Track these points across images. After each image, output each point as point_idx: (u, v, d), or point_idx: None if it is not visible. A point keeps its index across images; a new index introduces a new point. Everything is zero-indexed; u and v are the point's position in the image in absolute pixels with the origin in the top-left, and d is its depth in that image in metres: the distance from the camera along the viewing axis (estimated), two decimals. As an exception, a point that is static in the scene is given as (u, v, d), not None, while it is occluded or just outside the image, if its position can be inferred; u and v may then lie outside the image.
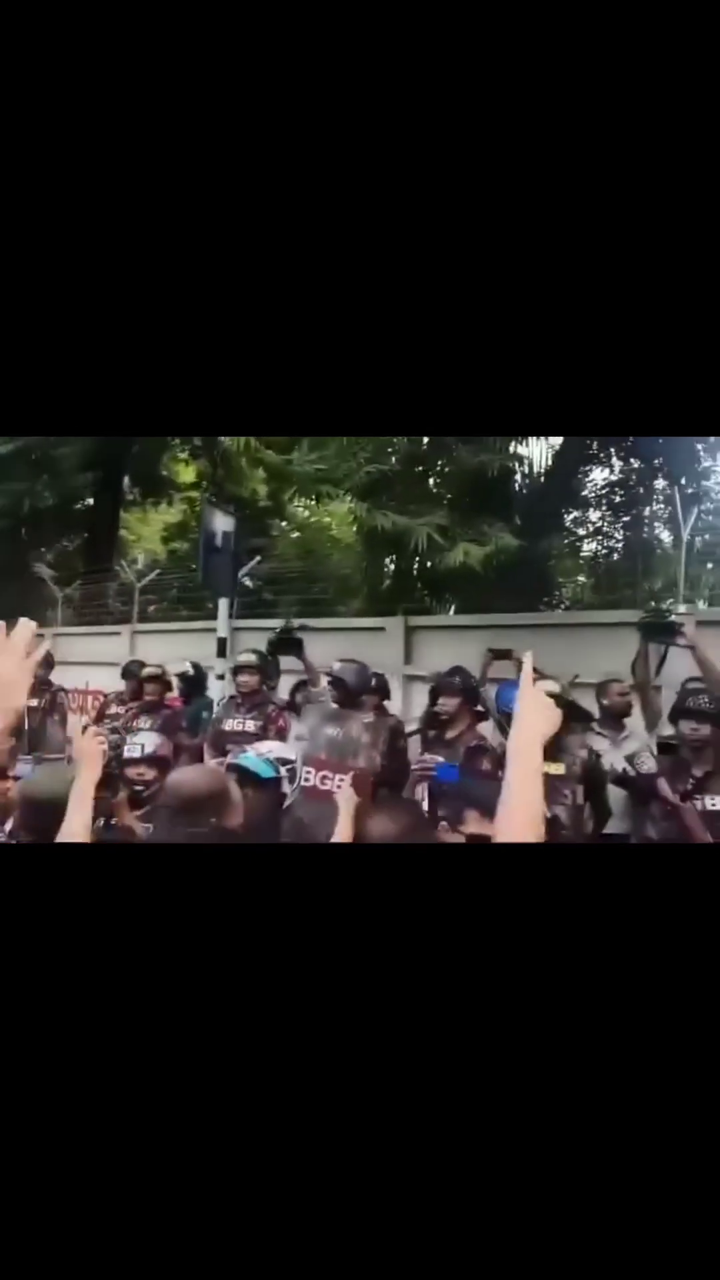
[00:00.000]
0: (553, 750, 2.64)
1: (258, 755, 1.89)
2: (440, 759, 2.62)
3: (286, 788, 1.93)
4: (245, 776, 1.85)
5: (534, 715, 0.98)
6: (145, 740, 2.33)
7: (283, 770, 1.92)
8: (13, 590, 10.14)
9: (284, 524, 11.34)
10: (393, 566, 5.83)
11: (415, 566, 5.47)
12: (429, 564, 4.94)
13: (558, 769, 2.59)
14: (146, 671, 4.30)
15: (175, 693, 4.35)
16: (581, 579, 8.12)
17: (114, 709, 4.53)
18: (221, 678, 4.28)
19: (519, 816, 0.87)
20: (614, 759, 2.96)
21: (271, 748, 1.99)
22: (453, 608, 5.95)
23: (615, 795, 2.86)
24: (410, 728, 3.33)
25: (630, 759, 2.73)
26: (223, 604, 4.42)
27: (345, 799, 1.64)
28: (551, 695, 2.64)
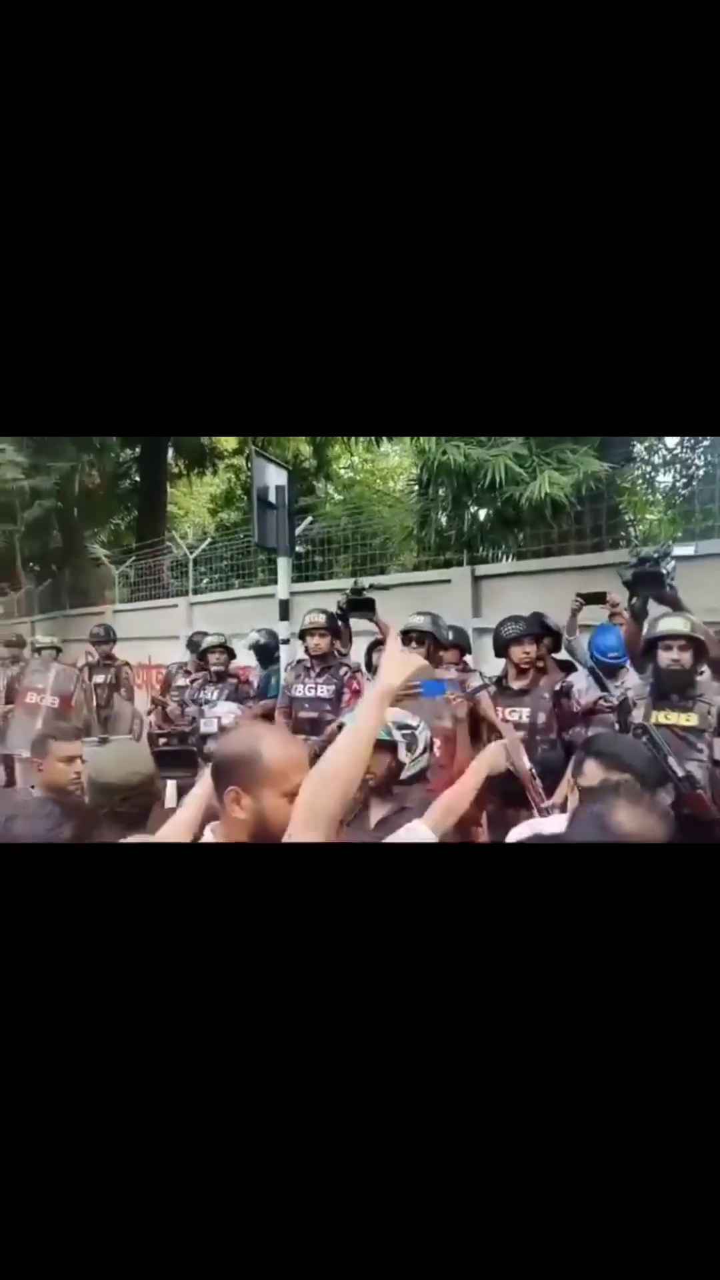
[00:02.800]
0: (682, 698, 2.36)
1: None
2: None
3: (404, 755, 1.78)
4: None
5: (390, 669, 1.00)
6: (222, 712, 2.18)
7: (397, 734, 1.77)
8: (73, 571, 10.29)
9: (330, 483, 11.10)
10: (454, 508, 5.50)
11: (485, 507, 5.13)
12: (511, 497, 4.57)
13: (690, 719, 2.31)
14: (208, 642, 4.19)
15: (245, 662, 4.23)
16: (652, 516, 7.60)
17: (180, 681, 4.44)
18: (286, 642, 4.12)
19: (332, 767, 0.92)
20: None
21: (391, 712, 1.85)
22: (510, 555, 5.61)
23: None
24: (475, 683, 3.10)
25: None
26: (283, 565, 4.23)
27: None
28: (680, 634, 2.37)
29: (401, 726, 1.87)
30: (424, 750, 1.88)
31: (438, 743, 2.82)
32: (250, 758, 1.07)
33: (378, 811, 1.83)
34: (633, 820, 0.99)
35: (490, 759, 1.73)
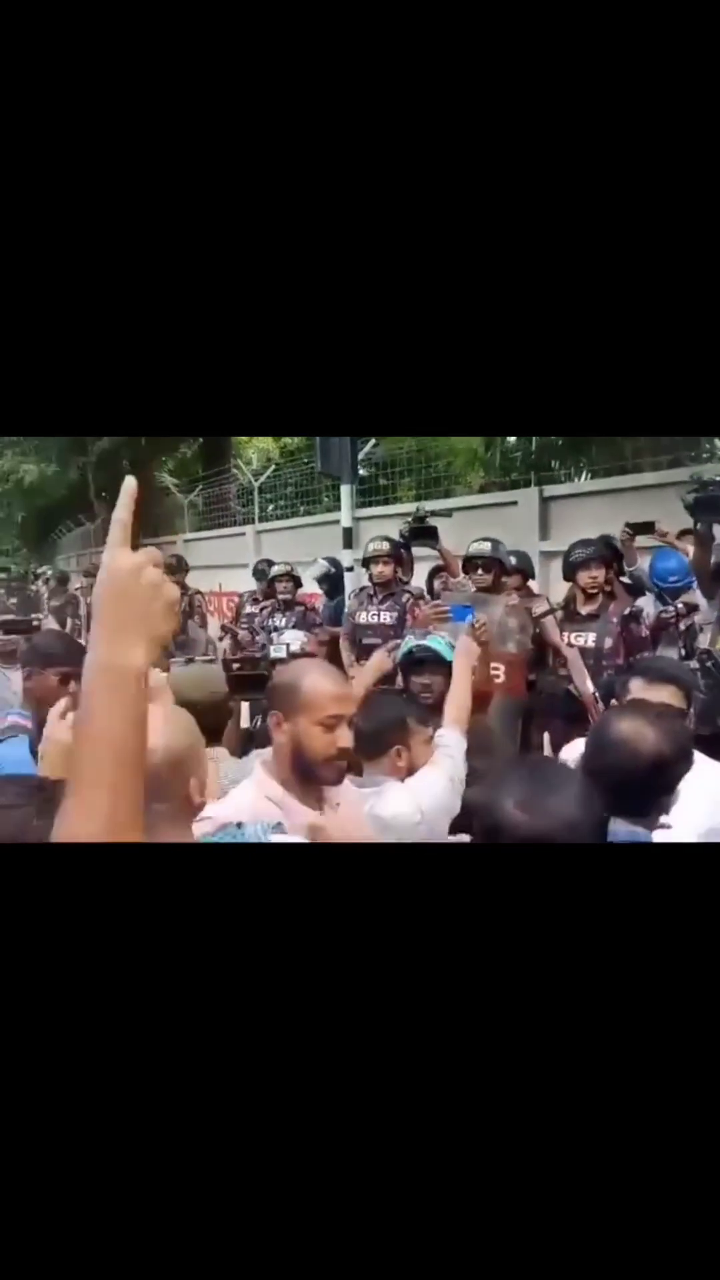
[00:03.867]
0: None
1: (441, 638, 1.86)
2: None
3: None
4: (424, 660, 1.81)
5: None
6: (290, 639, 2.29)
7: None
8: (143, 500, 10.54)
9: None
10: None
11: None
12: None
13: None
14: (275, 570, 4.30)
15: (310, 589, 4.33)
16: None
17: (249, 609, 4.61)
18: (350, 569, 4.18)
19: None
20: None
21: (445, 636, 1.92)
22: (584, 474, 5.39)
23: None
24: (540, 608, 3.08)
25: None
26: (345, 491, 4.23)
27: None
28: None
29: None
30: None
31: (501, 667, 2.87)
32: (291, 686, 1.18)
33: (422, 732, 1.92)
34: (630, 728, 1.03)
35: (464, 650, 1.77)
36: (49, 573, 7.78)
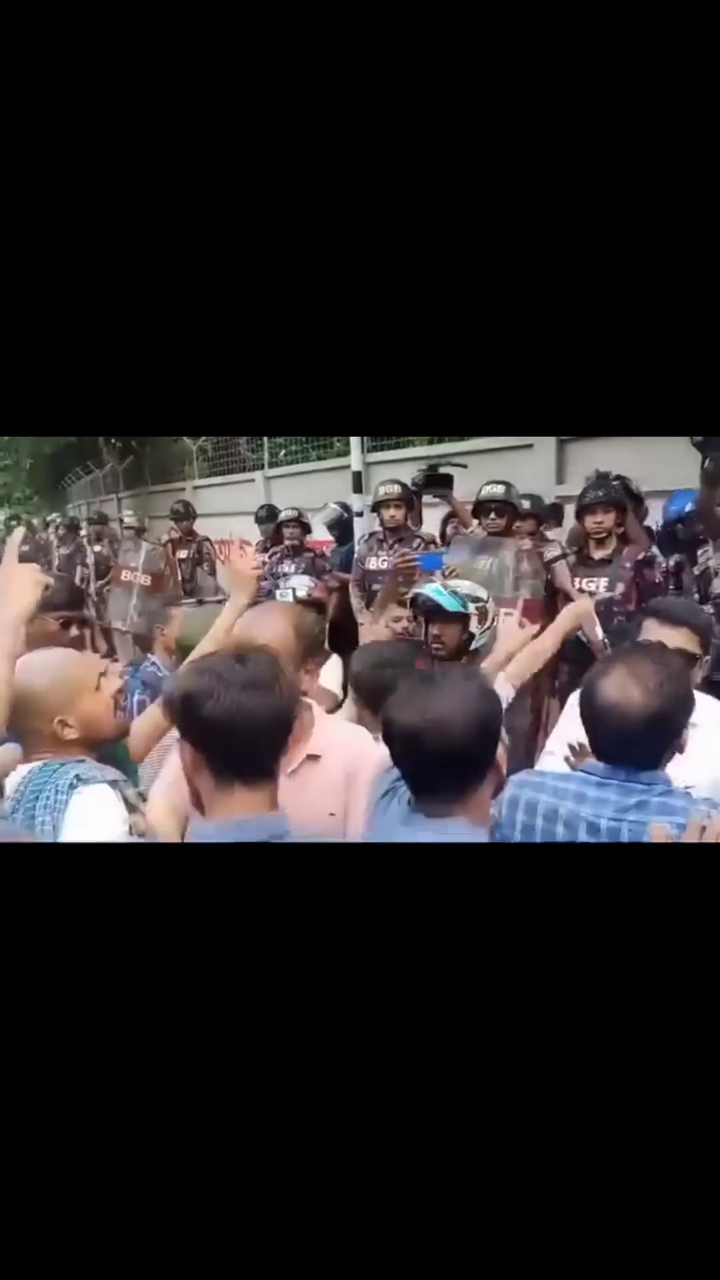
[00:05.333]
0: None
1: (444, 588, 1.80)
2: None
3: (475, 626, 1.81)
4: (432, 610, 1.79)
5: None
6: (297, 584, 2.25)
7: (471, 607, 1.79)
8: (153, 446, 10.39)
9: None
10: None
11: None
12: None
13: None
14: (284, 515, 4.24)
15: (318, 536, 4.28)
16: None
17: (260, 555, 4.57)
18: (360, 514, 4.11)
19: None
20: None
21: (462, 585, 1.86)
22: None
23: None
24: (552, 553, 3.00)
25: None
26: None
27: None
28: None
29: (474, 599, 1.87)
30: (492, 623, 1.90)
31: (516, 613, 2.83)
32: None
33: None
34: (614, 688, 0.98)
35: (577, 611, 1.72)
36: (58, 520, 7.75)
